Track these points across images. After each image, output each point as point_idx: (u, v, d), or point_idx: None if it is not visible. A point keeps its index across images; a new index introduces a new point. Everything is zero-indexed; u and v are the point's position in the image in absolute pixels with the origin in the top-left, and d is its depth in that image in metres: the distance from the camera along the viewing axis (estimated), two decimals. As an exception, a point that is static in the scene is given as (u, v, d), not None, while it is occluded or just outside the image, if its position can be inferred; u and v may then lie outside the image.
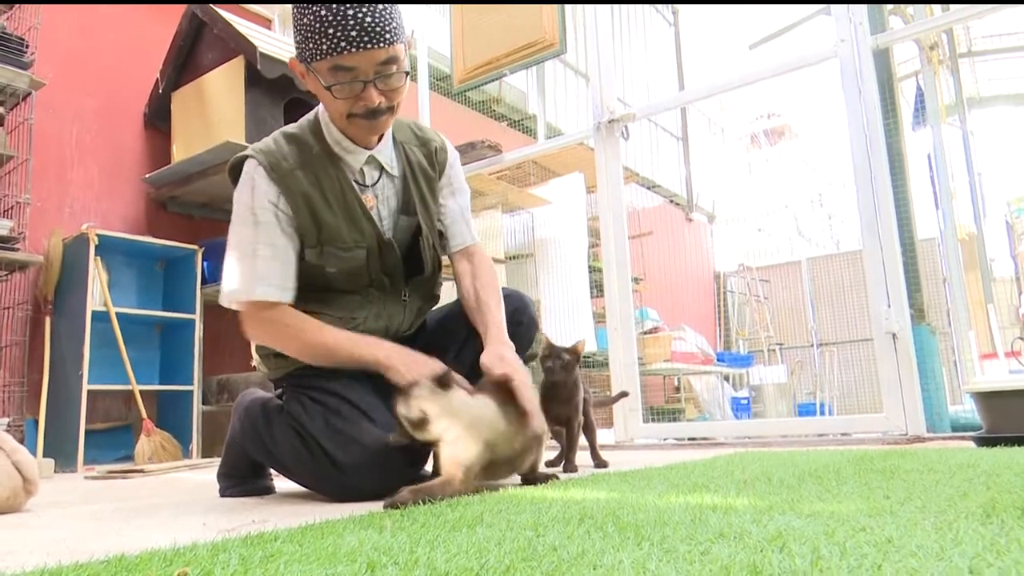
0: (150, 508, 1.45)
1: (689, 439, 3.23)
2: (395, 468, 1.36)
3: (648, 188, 8.16)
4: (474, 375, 1.44)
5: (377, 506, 1.16)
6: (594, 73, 3.38)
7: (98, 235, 3.30)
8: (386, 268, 1.55)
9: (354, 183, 1.52)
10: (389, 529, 0.89)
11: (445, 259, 1.71)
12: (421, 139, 1.64)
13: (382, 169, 1.55)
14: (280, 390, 1.61)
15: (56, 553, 0.89)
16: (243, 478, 1.66)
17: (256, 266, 1.43)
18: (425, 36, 4.23)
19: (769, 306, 9.13)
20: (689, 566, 0.60)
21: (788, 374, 7.64)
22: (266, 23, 4.68)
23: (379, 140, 1.54)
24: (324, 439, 1.38)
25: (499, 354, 1.42)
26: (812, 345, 8.60)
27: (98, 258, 3.30)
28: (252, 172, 1.46)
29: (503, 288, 1.68)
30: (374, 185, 1.54)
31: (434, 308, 1.74)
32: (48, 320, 3.36)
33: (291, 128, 1.55)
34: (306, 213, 1.46)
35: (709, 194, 10.35)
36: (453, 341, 1.64)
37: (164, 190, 3.88)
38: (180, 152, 3.83)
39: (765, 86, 4.11)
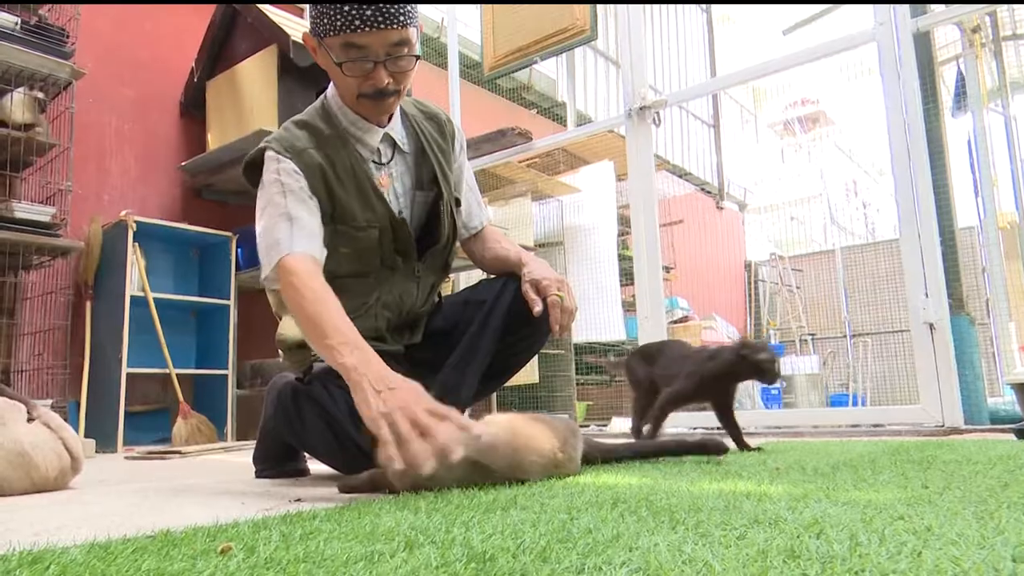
0: (190, 488, 1.48)
1: (717, 428, 3.21)
2: None
3: (679, 176, 8.08)
4: (519, 319, 1.55)
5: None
6: (625, 59, 3.35)
7: (136, 222, 3.38)
8: (399, 247, 1.55)
9: (371, 163, 1.52)
10: (424, 510, 0.91)
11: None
12: (428, 114, 1.66)
13: (395, 146, 1.56)
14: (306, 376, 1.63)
15: (104, 528, 0.92)
16: (278, 460, 1.70)
17: (292, 228, 1.37)
18: (455, 24, 4.23)
19: (801, 296, 9.00)
20: (725, 550, 0.61)
21: (820, 364, 7.53)
22: (299, 12, 4.71)
23: (389, 119, 1.55)
24: (349, 424, 1.39)
25: (532, 280, 1.51)
26: (845, 336, 8.47)
27: (136, 244, 3.37)
28: (271, 158, 1.45)
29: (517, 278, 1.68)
30: (388, 163, 1.55)
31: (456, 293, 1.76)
32: (89, 305, 3.45)
33: (299, 116, 1.56)
34: (322, 187, 1.46)
35: (740, 182, 10.22)
36: (480, 308, 1.62)
37: (199, 178, 3.95)
38: (215, 140, 3.89)
39: (800, 72, 4.04)
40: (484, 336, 1.57)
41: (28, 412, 1.54)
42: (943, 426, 2.38)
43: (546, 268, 1.54)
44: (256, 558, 0.65)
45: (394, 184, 1.56)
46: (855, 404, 7.59)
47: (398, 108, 1.57)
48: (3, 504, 1.29)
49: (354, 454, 1.39)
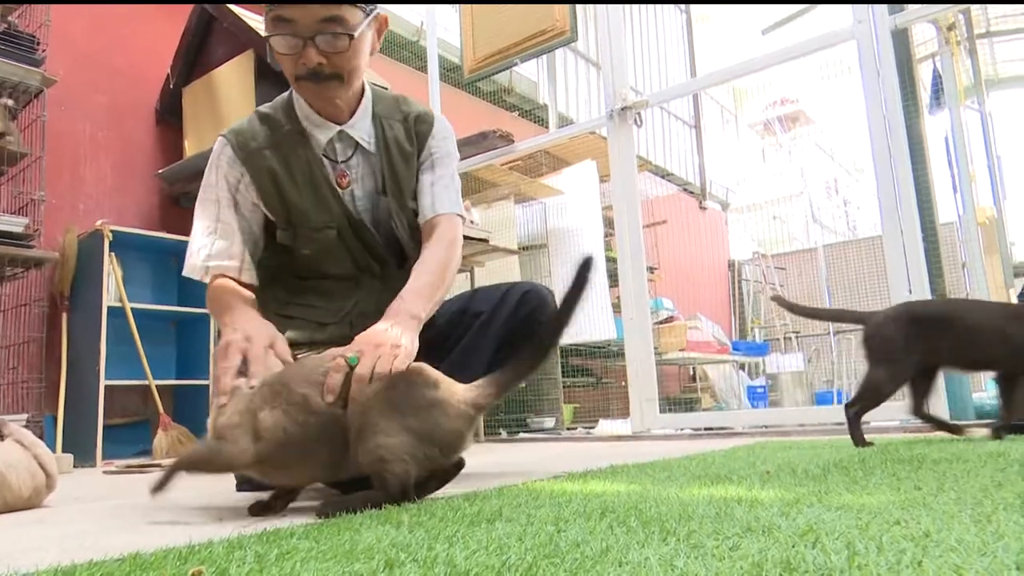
0: (167, 504, 1.44)
1: (705, 429, 3.21)
2: None
3: (661, 176, 8.09)
4: (518, 332, 1.49)
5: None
6: (606, 60, 3.34)
7: (112, 231, 3.31)
8: (369, 250, 1.50)
9: (324, 159, 1.47)
10: (407, 524, 0.88)
11: None
12: (403, 112, 1.57)
13: (357, 145, 1.50)
14: None
15: (72, 550, 0.88)
16: (259, 473, 1.66)
17: (213, 243, 1.45)
18: (435, 27, 4.20)
19: (785, 294, 9.04)
20: (719, 562, 0.58)
21: (805, 362, 7.56)
22: (275, 16, 4.66)
23: (352, 114, 1.49)
24: None
25: (374, 330, 1.22)
26: (829, 333, 8.52)
27: (113, 254, 3.30)
28: (219, 152, 1.47)
29: (522, 284, 1.61)
30: (346, 162, 1.49)
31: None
32: (65, 316, 3.38)
33: (265, 107, 1.53)
34: (272, 192, 1.45)
35: (723, 182, 10.27)
36: (477, 319, 1.57)
37: (177, 185, 3.89)
38: (192, 147, 3.83)
39: (779, 71, 4.05)
40: (480, 348, 1.53)
41: (-2, 430, 1.49)
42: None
43: (380, 332, 1.21)
44: (227, 583, 0.61)
45: (353, 186, 1.50)
46: (839, 401, 7.63)
47: (366, 106, 1.50)
48: (-30, 526, 1.24)
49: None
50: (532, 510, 0.93)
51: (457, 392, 1.14)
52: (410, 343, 1.21)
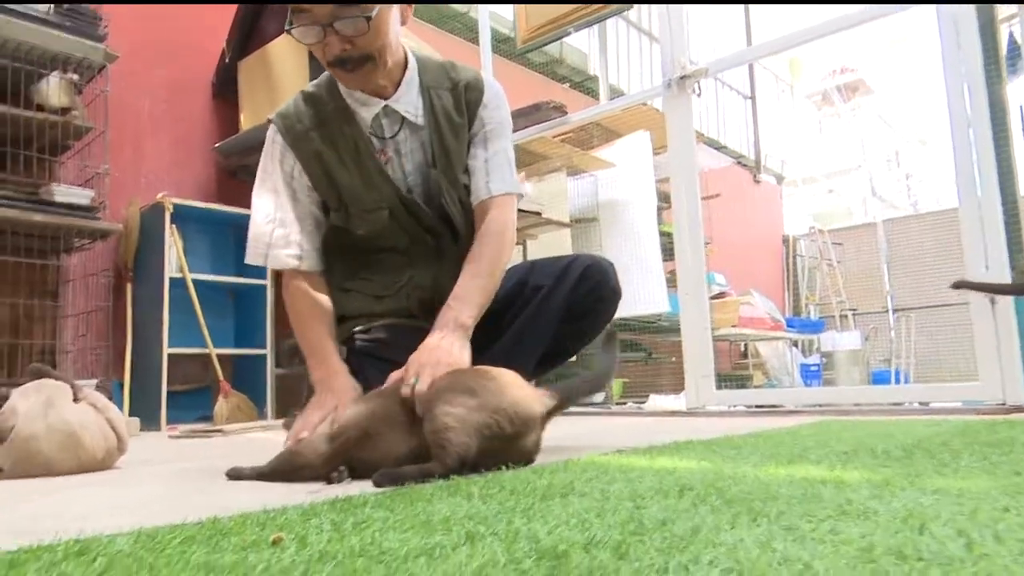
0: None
1: (756, 406, 3.14)
2: None
3: (715, 149, 7.89)
4: (581, 306, 1.50)
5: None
6: (663, 28, 3.24)
7: (173, 203, 3.38)
8: (423, 226, 1.47)
9: (371, 137, 1.44)
10: (477, 496, 0.86)
11: None
12: (452, 80, 1.50)
13: (403, 120, 1.45)
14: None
15: (150, 513, 0.90)
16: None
17: (272, 231, 1.46)
18: (487, -4, 4.13)
19: (842, 270, 8.78)
20: (820, 546, 0.55)
21: (862, 340, 7.34)
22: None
23: (396, 87, 1.44)
24: None
25: (427, 346, 1.25)
26: (887, 310, 8.26)
27: (174, 226, 3.38)
28: (272, 138, 1.48)
29: (583, 258, 1.56)
30: (393, 137, 1.45)
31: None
32: (129, 286, 3.48)
33: (310, 86, 1.50)
34: (321, 176, 1.44)
35: (778, 154, 9.97)
36: (538, 292, 1.54)
37: (233, 159, 3.94)
38: (248, 121, 3.87)
39: (839, 39, 3.88)
40: (542, 321, 1.50)
41: (73, 393, 1.54)
42: (1004, 404, 2.28)
43: (433, 349, 1.24)
44: (310, 551, 0.61)
45: (402, 160, 1.47)
46: (897, 381, 7.41)
47: (411, 78, 1.46)
48: (51, 485, 1.28)
49: None
50: (604, 485, 0.90)
51: (524, 381, 1.19)
52: (460, 353, 1.25)
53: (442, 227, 1.49)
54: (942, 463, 1.00)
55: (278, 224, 1.46)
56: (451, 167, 1.47)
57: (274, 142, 1.48)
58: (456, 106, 1.49)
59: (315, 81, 1.52)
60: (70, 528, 0.75)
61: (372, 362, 1.44)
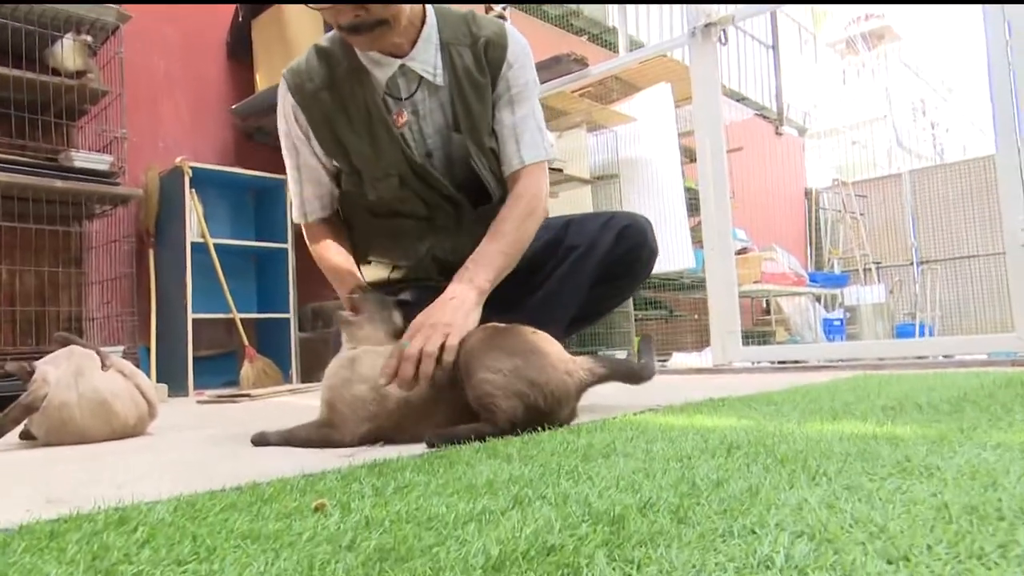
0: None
1: (779, 362, 3.11)
2: None
3: (736, 101, 7.70)
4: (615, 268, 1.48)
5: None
6: (687, -27, 3.12)
7: (191, 167, 3.36)
8: (440, 193, 1.40)
9: (385, 98, 1.37)
10: (517, 458, 0.85)
11: None
12: (473, 35, 1.40)
13: (420, 79, 1.37)
14: None
15: (186, 479, 0.89)
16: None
17: (297, 191, 1.49)
18: (502, -55, 4.00)
19: (865, 223, 8.62)
20: (889, 506, 0.52)
21: (887, 294, 7.23)
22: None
23: (413, 45, 1.35)
24: None
25: (432, 307, 1.21)
26: (912, 263, 8.12)
27: (193, 190, 3.36)
28: (283, 97, 1.44)
29: (620, 217, 1.53)
30: (410, 98, 1.37)
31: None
32: (152, 252, 3.48)
33: (324, 40, 1.42)
34: (329, 138, 1.40)
35: (800, 106, 9.72)
36: (573, 251, 1.52)
37: (250, 120, 3.90)
38: (263, 81, 3.82)
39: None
40: (575, 282, 1.47)
41: (101, 360, 1.54)
42: (1042, 356, 2.23)
43: (435, 311, 1.19)
44: (354, 517, 0.59)
45: (420, 123, 1.38)
46: (922, 334, 7.31)
47: (428, 34, 1.36)
48: (85, 452, 1.29)
49: None
50: (646, 444, 0.88)
51: (560, 350, 1.17)
52: (464, 319, 1.19)
53: (463, 194, 1.42)
54: (995, 416, 0.96)
55: (306, 181, 1.47)
56: (476, 130, 1.39)
57: (285, 100, 1.44)
58: (477, 64, 1.39)
59: (329, 35, 1.44)
60: (108, 496, 0.74)
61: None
